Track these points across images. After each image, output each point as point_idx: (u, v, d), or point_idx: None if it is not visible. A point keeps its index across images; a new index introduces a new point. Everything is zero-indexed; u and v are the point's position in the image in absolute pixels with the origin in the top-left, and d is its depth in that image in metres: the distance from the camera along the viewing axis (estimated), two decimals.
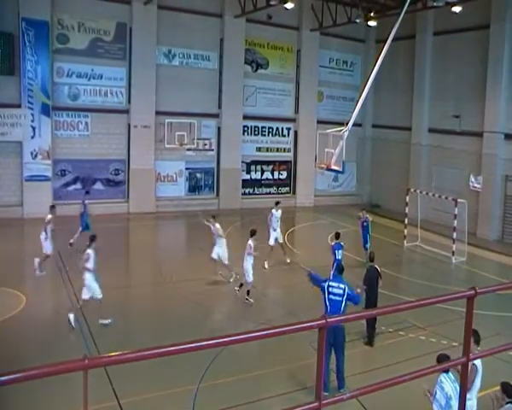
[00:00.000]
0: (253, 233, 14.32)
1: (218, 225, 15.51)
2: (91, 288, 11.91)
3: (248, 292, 13.96)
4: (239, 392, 9.47)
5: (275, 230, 17.72)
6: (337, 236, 15.66)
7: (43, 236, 15.27)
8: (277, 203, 18.49)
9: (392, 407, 8.93)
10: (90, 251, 11.98)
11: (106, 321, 11.82)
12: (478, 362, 6.93)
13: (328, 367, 9.36)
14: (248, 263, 14.00)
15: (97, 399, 8.22)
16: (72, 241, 17.49)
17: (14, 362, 9.27)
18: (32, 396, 8.25)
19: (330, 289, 9.70)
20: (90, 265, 11.91)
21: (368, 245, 17.95)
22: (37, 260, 15.13)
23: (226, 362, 10.27)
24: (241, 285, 14.20)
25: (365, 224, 18.72)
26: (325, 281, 9.98)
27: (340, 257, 14.90)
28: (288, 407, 3.15)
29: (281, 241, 18.04)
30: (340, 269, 10.63)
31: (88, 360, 2.50)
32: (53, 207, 16.64)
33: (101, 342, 10.98)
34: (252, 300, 13.89)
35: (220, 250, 15.41)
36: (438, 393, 6.52)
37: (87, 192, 21.00)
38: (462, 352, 3.88)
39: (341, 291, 9.69)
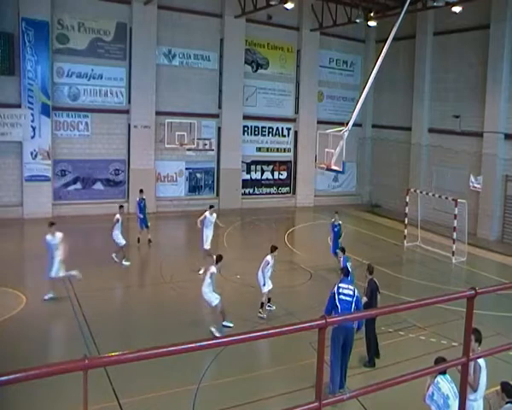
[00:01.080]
0: (273, 249, 13.48)
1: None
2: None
3: (262, 305, 13.23)
4: (239, 392, 9.47)
5: (207, 234, 16.81)
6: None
7: (114, 233, 16.89)
8: (211, 207, 17.47)
9: (393, 407, 8.93)
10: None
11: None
12: (481, 361, 6.91)
13: (341, 367, 9.35)
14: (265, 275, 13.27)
15: (97, 399, 8.22)
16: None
17: (14, 362, 9.28)
18: (32, 396, 8.25)
19: (340, 290, 9.65)
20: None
21: (338, 250, 16.26)
22: (114, 254, 16.93)
23: (226, 362, 10.27)
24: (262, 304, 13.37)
25: (336, 229, 17.80)
26: (334, 287, 9.85)
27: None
28: (288, 407, 3.15)
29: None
30: (346, 272, 10.40)
31: (88, 360, 2.50)
32: (121, 206, 18.12)
33: (101, 342, 10.98)
34: (265, 315, 13.11)
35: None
36: (435, 394, 6.54)
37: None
38: (462, 352, 3.88)
39: (351, 292, 9.66)
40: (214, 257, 12.85)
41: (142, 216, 19.62)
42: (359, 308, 9.70)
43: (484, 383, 7.01)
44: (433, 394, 6.56)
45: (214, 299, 12.11)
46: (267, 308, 13.35)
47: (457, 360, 4.08)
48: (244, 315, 13.09)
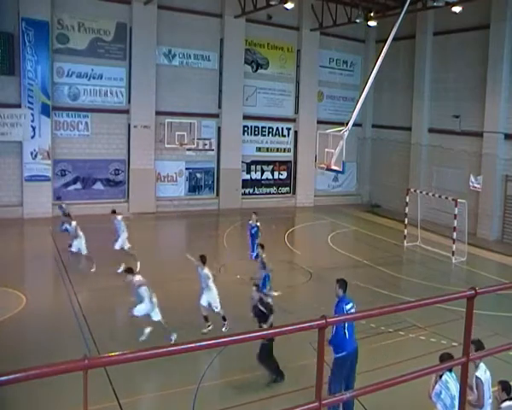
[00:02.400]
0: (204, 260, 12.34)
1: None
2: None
3: (224, 318, 12.34)
4: (239, 392, 9.47)
5: (119, 236, 16.32)
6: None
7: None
8: (114, 212, 16.80)
9: (393, 407, 8.93)
10: None
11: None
12: (481, 375, 6.81)
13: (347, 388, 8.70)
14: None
15: (97, 399, 8.22)
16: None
17: (14, 362, 9.28)
18: (32, 396, 8.25)
19: (347, 308, 8.87)
20: None
21: (255, 254, 15.33)
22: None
23: (226, 362, 10.27)
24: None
25: (253, 230, 16.66)
26: (341, 309, 8.79)
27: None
28: (288, 407, 3.15)
29: (126, 248, 16.38)
30: (345, 287, 9.23)
31: (88, 360, 2.50)
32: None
33: (101, 342, 10.97)
34: (205, 330, 11.94)
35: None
36: (443, 393, 6.47)
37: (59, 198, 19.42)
38: (461, 352, 3.88)
39: (354, 309, 8.92)
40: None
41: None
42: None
43: (489, 396, 6.91)
44: (440, 392, 6.49)
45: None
46: (206, 328, 11.96)
47: (457, 360, 4.08)
48: (244, 315, 13.08)
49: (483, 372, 6.81)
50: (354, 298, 10.00)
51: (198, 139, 26.07)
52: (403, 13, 18.33)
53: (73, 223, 16.11)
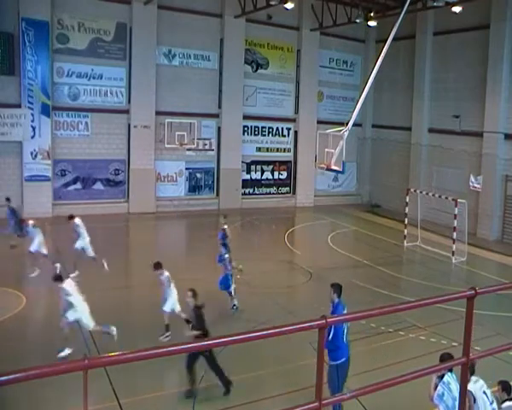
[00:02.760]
0: (158, 266, 11.90)
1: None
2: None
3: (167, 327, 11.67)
4: (239, 392, 9.47)
5: (83, 238, 15.74)
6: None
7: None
8: (71, 217, 15.80)
9: (393, 407, 8.93)
10: None
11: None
12: (473, 389, 6.56)
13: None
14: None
15: (97, 399, 8.23)
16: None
17: (14, 362, 9.27)
18: (32, 396, 8.25)
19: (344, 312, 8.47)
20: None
21: (219, 258, 14.79)
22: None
23: (226, 362, 10.26)
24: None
25: (219, 235, 15.12)
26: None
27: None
28: (287, 406, 3.15)
29: (88, 252, 15.79)
30: (340, 292, 8.84)
31: (88, 360, 2.50)
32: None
33: (101, 342, 10.97)
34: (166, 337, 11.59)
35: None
36: (445, 394, 6.43)
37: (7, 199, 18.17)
38: (461, 352, 3.88)
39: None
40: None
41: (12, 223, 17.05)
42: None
43: (484, 403, 6.70)
44: (443, 394, 6.43)
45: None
46: (165, 337, 11.48)
47: (457, 360, 4.08)
48: (244, 315, 13.10)
49: (472, 384, 6.67)
50: (354, 298, 10.03)
51: (198, 139, 26.07)
52: (403, 13, 18.34)
53: (31, 222, 15.61)
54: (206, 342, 2.81)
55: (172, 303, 11.77)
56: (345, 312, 8.37)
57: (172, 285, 11.88)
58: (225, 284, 13.72)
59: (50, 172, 23.03)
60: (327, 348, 8.11)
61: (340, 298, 8.73)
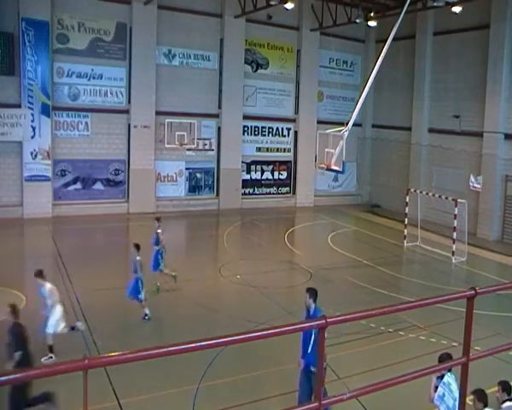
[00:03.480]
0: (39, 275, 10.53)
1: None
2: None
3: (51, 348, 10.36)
4: (239, 392, 9.48)
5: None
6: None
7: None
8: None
9: (393, 407, 8.93)
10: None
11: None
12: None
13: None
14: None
15: (97, 399, 8.22)
16: None
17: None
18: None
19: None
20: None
21: (161, 267, 14.27)
22: None
23: (226, 362, 10.27)
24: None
25: (153, 239, 14.49)
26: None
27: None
28: (287, 407, 3.15)
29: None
30: (316, 296, 8.43)
31: (88, 360, 2.50)
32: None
33: (101, 342, 10.97)
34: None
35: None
36: (446, 395, 6.42)
37: None
38: (462, 352, 3.88)
39: None
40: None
41: None
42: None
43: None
44: (444, 394, 6.42)
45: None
46: (47, 358, 10.14)
47: (457, 360, 4.08)
48: (244, 315, 13.10)
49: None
50: (354, 298, 10.02)
51: (198, 139, 26.07)
52: (403, 13, 18.34)
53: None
54: (205, 343, 2.81)
55: (55, 323, 10.33)
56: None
57: (56, 300, 10.41)
58: (134, 290, 12.38)
59: (50, 172, 23.03)
60: (309, 356, 8.06)
61: (316, 303, 8.36)
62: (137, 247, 12.53)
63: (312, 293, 8.39)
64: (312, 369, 7.91)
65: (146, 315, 12.49)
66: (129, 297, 12.51)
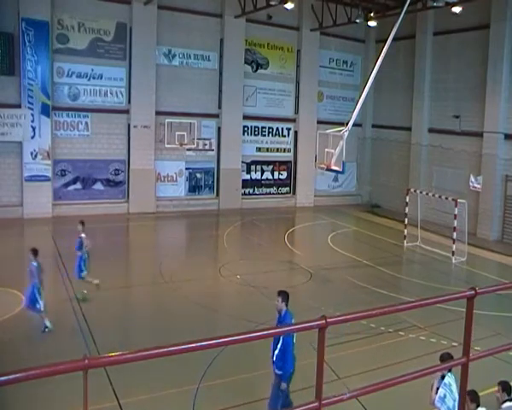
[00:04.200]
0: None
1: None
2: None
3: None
4: (239, 392, 9.47)
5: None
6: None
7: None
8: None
9: (393, 407, 8.93)
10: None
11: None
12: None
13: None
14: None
15: (97, 399, 8.22)
16: None
17: (14, 362, 9.27)
18: (32, 396, 8.25)
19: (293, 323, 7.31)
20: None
21: (84, 273, 13.63)
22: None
23: (226, 362, 10.26)
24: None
25: (76, 243, 13.81)
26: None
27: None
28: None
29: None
30: (287, 300, 8.28)
31: (88, 360, 2.50)
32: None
33: (101, 342, 10.97)
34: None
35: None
36: (447, 396, 6.41)
37: None
38: (462, 352, 3.88)
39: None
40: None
41: None
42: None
43: None
44: (445, 395, 6.39)
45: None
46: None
47: (457, 360, 4.08)
48: (244, 315, 13.09)
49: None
50: (354, 298, 10.02)
51: (198, 139, 26.07)
52: (403, 13, 18.34)
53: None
54: (205, 343, 2.81)
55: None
56: (293, 322, 7.66)
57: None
58: (30, 300, 11.40)
59: (50, 173, 23.03)
60: (276, 359, 8.13)
61: (287, 307, 8.17)
62: (35, 252, 11.55)
63: (284, 296, 8.19)
64: (277, 372, 8.09)
65: (46, 327, 11.40)
66: (27, 308, 11.64)
